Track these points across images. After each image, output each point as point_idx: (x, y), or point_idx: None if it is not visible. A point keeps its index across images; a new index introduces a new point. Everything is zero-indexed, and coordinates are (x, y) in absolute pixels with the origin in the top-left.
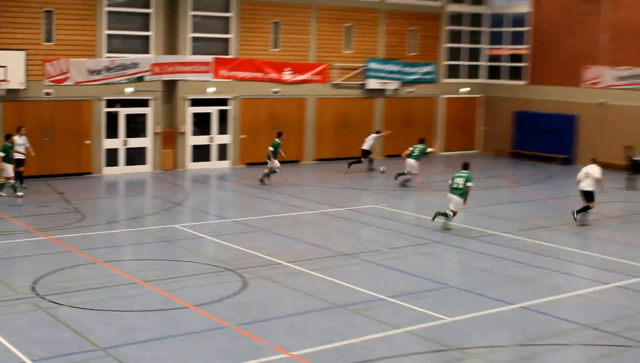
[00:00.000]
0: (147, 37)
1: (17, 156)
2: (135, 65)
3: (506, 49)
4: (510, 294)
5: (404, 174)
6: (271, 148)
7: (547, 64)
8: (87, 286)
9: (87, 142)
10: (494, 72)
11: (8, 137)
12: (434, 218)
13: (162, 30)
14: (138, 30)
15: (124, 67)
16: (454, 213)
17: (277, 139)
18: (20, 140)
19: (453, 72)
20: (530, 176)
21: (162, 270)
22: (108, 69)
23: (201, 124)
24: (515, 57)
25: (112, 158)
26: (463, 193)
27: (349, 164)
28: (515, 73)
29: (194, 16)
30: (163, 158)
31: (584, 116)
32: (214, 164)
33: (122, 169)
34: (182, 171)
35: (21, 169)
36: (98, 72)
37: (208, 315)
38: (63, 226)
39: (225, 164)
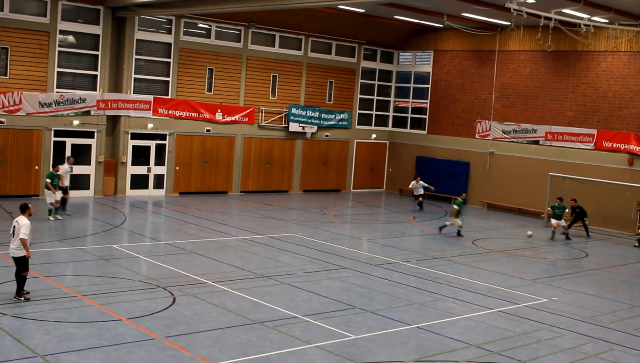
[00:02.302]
0: (94, 76)
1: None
2: (82, 100)
3: (410, 102)
4: (408, 316)
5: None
6: (456, 206)
7: (444, 117)
8: (29, 297)
9: (36, 167)
10: (399, 122)
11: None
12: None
13: (108, 70)
14: (86, 69)
15: (73, 101)
16: None
17: (459, 198)
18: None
19: (364, 119)
20: (429, 213)
21: (99, 285)
22: (57, 102)
23: (140, 156)
24: (418, 110)
25: None
26: None
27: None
28: (417, 123)
29: (137, 59)
30: (105, 184)
31: (475, 162)
32: (151, 192)
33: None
34: (122, 197)
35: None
36: (48, 105)
37: (139, 327)
38: (10, 242)
39: (160, 193)
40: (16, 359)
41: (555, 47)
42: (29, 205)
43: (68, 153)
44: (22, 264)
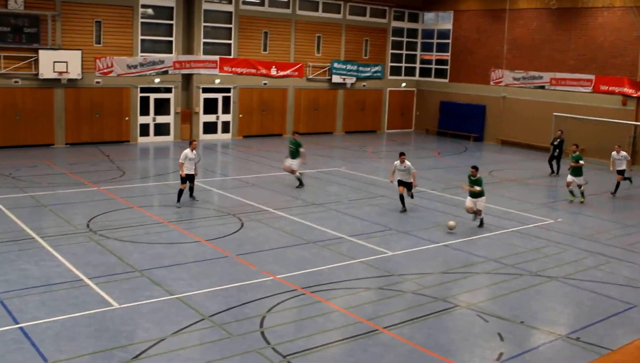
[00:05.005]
0: (170, 41)
1: (189, 171)
2: (161, 62)
3: (434, 55)
4: (436, 235)
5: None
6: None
7: (463, 67)
8: (126, 224)
9: (127, 118)
10: (425, 72)
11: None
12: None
13: (182, 36)
14: (164, 35)
15: (154, 63)
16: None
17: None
18: (191, 154)
19: (395, 71)
20: (451, 149)
21: (181, 213)
22: (142, 64)
23: (210, 106)
24: (440, 61)
25: (144, 130)
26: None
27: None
28: (440, 73)
29: (205, 26)
30: (182, 130)
31: (490, 105)
32: (219, 136)
33: (152, 139)
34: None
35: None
36: (134, 66)
37: (215, 247)
38: (109, 179)
39: (227, 136)
40: (120, 273)
41: (559, 4)
42: None
43: (152, 105)
44: None
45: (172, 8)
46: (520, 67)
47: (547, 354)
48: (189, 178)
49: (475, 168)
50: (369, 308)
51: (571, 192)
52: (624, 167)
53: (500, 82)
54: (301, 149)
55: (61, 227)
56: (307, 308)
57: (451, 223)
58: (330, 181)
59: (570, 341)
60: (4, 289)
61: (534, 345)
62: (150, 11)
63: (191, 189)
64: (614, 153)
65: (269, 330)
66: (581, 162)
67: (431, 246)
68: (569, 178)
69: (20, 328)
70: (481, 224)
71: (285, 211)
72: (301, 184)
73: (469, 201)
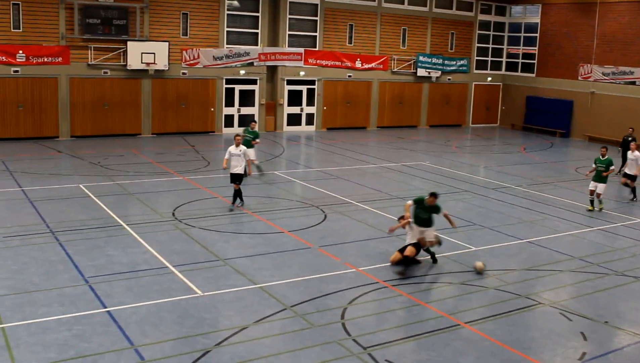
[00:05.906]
0: (256, 33)
1: (234, 169)
2: (247, 54)
3: (521, 49)
4: (520, 232)
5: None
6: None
7: (551, 62)
8: (211, 214)
9: (212, 109)
10: (511, 66)
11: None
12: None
13: (267, 28)
14: (249, 28)
15: (239, 55)
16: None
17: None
18: (236, 150)
19: (481, 65)
20: (537, 144)
21: (265, 204)
22: (227, 56)
23: (294, 98)
24: (527, 55)
25: (229, 121)
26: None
27: None
28: (527, 67)
29: (290, 19)
30: (266, 122)
31: (578, 101)
32: (303, 128)
33: (236, 130)
34: (280, 132)
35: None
36: (220, 58)
37: (298, 238)
38: (194, 169)
39: (311, 128)
40: (203, 262)
41: None
42: None
43: (237, 97)
44: None
45: (257, 0)
46: (610, 63)
47: (632, 356)
48: (234, 178)
49: (435, 195)
50: (451, 302)
51: (592, 201)
52: (634, 172)
53: (589, 77)
54: (257, 140)
55: (147, 215)
56: (389, 301)
57: (479, 264)
58: (414, 174)
59: None
60: (93, 274)
61: (618, 345)
62: (236, 3)
63: (237, 192)
64: (629, 152)
65: (350, 321)
66: (612, 168)
67: (515, 242)
68: (600, 187)
69: (108, 312)
70: (433, 259)
71: (369, 204)
72: (261, 171)
73: (419, 233)
